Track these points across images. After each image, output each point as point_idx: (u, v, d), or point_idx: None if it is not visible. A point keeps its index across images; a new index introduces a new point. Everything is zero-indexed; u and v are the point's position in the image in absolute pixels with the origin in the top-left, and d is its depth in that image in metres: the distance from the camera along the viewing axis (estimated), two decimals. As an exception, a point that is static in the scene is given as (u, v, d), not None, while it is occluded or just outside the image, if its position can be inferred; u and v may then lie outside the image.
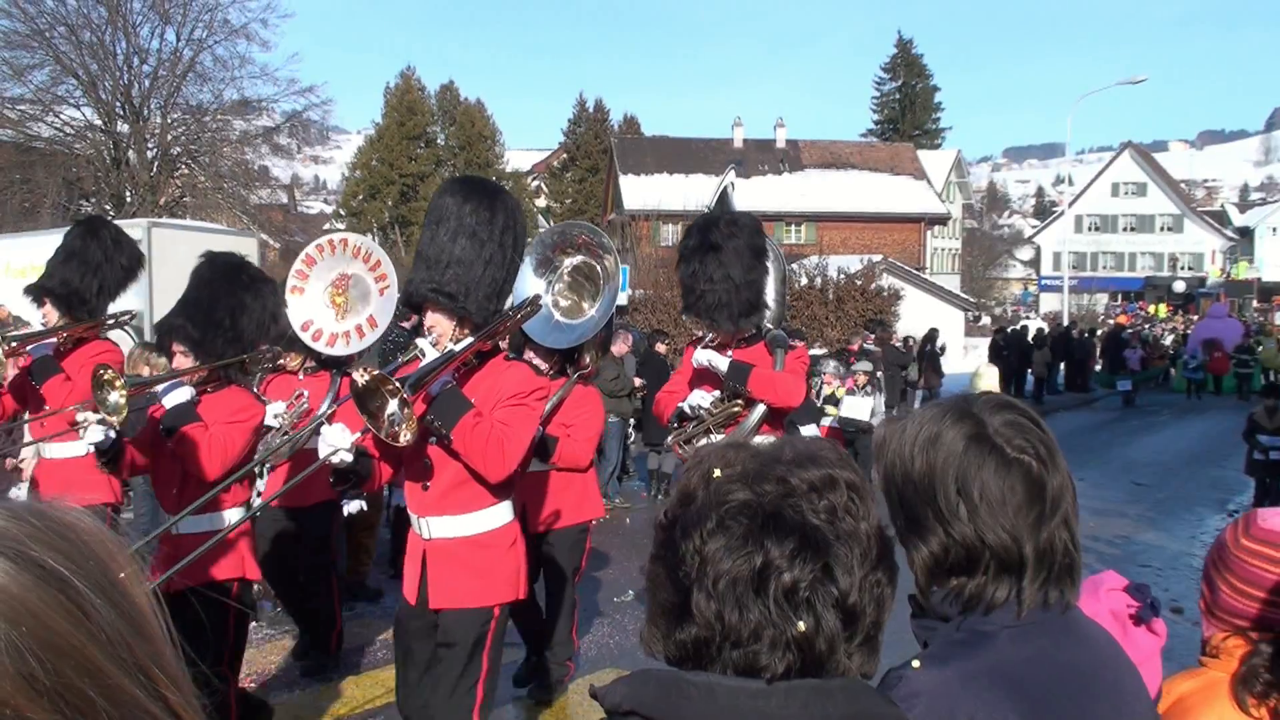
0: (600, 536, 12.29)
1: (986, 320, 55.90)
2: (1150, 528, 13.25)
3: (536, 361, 6.59)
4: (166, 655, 0.92)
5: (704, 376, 6.26)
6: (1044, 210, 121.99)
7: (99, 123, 31.03)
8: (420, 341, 4.56)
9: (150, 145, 31.34)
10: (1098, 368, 34.65)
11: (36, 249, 16.98)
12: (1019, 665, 1.85)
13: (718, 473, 1.52)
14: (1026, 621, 1.89)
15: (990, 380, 15.80)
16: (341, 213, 64.78)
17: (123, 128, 31.06)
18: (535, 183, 72.70)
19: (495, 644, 4.74)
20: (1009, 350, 29.69)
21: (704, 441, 5.85)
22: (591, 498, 7.16)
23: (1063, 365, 32.80)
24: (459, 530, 4.67)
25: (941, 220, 60.96)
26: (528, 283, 6.33)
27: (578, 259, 6.50)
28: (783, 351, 6.10)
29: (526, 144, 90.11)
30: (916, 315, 28.79)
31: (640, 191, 52.14)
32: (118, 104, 30.96)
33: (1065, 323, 37.81)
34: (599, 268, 6.47)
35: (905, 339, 23.66)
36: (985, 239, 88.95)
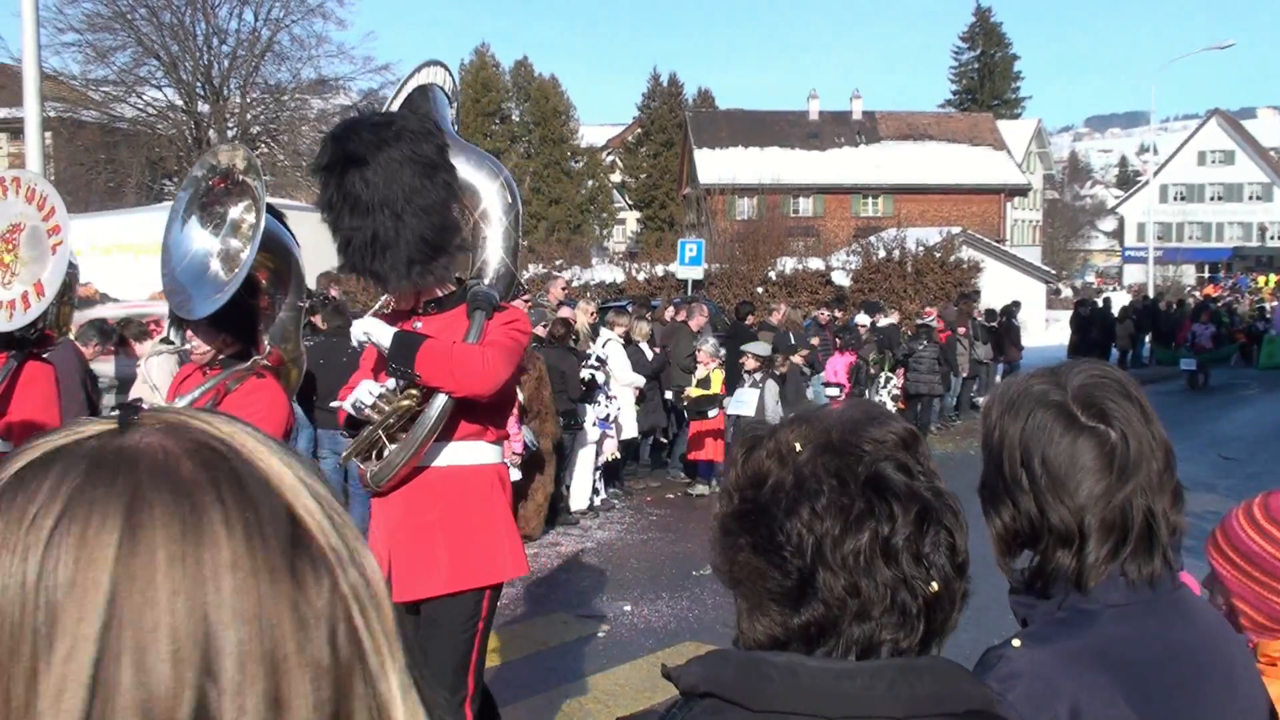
0: (675, 511, 12.30)
1: (1068, 293, 54.97)
2: (1240, 502, 12.84)
3: (196, 343, 4.77)
4: None
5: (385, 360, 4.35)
6: (1128, 180, 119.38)
7: (180, 103, 31.56)
8: None
9: (230, 124, 31.78)
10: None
11: (121, 228, 17.38)
12: (1124, 645, 1.79)
13: (798, 446, 1.47)
14: (1131, 600, 1.83)
15: None
16: (418, 190, 65.24)
17: (203, 108, 31.58)
18: (610, 158, 72.73)
19: None
20: (1091, 324, 29.13)
21: (391, 450, 4.19)
22: None
23: (1148, 338, 32.12)
24: None
25: (1022, 191, 60.21)
26: (192, 237, 4.84)
27: (240, 208, 4.82)
28: (483, 315, 4.22)
29: (601, 119, 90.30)
30: (997, 288, 28.38)
31: (715, 165, 52.05)
32: (198, 84, 31.47)
33: (1150, 295, 37.06)
34: (254, 201, 4.73)
35: (986, 311, 23.34)
36: (1067, 210, 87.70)
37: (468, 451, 4.25)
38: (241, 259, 4.58)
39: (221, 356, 4.76)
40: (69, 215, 5.29)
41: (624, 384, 12.88)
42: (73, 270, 5.76)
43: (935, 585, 1.40)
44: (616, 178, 71.41)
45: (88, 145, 30.26)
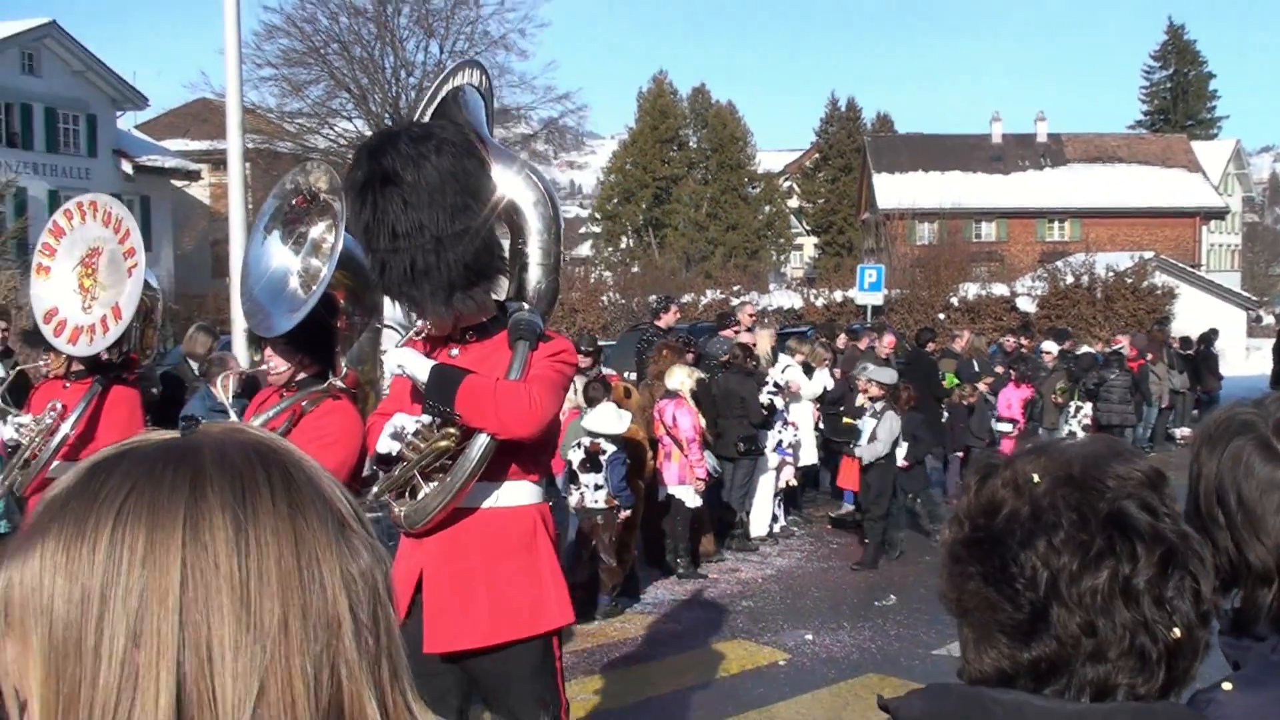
0: (855, 539, 12.06)
1: (1269, 320, 52.51)
2: None
3: (273, 363, 4.58)
4: None
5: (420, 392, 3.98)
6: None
7: (369, 134, 32.72)
8: None
9: (417, 154, 32.86)
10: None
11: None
12: None
13: (1036, 478, 1.41)
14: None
15: None
16: (597, 216, 66.56)
17: (392, 138, 32.73)
18: (787, 183, 72.62)
19: None
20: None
21: (427, 491, 3.82)
22: None
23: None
24: None
25: (1219, 214, 57.93)
26: (272, 254, 4.72)
27: (321, 227, 4.66)
28: (526, 346, 3.85)
29: (778, 144, 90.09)
30: (1193, 315, 27.31)
31: (894, 190, 51.62)
32: (386, 115, 32.62)
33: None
34: (334, 220, 4.52)
35: (1182, 339, 22.46)
36: (1268, 234, 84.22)
37: (509, 493, 3.89)
38: (320, 278, 4.43)
39: (299, 377, 4.60)
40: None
41: (808, 397, 12.84)
42: (151, 292, 5.94)
43: (1178, 631, 1.33)
44: (794, 203, 71.22)
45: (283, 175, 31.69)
